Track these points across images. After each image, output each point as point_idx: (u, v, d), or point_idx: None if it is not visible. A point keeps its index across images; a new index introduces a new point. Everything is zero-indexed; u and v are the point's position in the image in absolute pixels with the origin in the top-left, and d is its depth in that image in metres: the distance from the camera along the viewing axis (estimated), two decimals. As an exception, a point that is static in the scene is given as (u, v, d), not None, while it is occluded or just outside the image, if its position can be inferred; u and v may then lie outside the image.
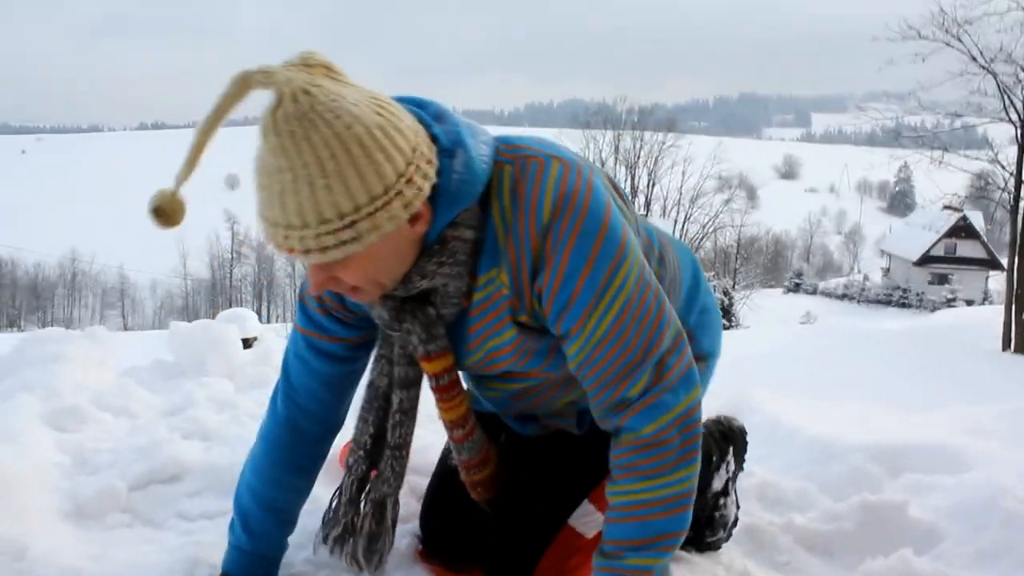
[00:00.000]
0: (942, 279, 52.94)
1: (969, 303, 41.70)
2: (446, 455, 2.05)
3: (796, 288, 60.44)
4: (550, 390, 1.76)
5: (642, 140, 46.70)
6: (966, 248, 54.42)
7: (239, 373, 3.58)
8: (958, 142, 19.33)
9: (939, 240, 53.36)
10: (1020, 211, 16.42)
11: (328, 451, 1.88)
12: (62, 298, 76.93)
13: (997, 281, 43.70)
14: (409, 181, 1.37)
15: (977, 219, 50.80)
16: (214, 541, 1.93)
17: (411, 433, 1.75)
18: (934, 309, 37.51)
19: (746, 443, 2.28)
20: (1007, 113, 16.38)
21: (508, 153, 1.53)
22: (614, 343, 1.51)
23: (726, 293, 34.81)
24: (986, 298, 45.54)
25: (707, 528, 2.19)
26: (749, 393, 3.45)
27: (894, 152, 18.58)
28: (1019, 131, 16.24)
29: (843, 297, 56.67)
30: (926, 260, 54.65)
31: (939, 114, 18.13)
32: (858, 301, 55.21)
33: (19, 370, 3.00)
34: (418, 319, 1.58)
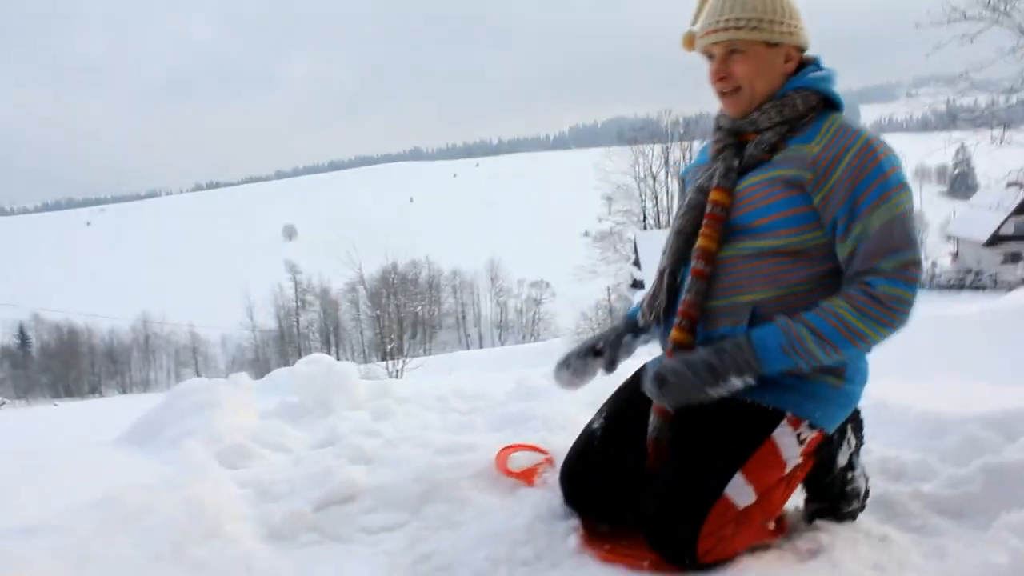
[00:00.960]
0: (1015, 258, 51.71)
1: (1046, 279, 40.66)
2: (591, 422, 2.41)
3: (864, 281, 59.49)
4: (758, 270, 2.14)
5: (691, 150, 46.52)
6: (1037, 224, 53.10)
7: (362, 408, 3.79)
8: (1018, 118, 18.97)
9: (1008, 218, 52.09)
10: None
11: None
12: (137, 361, 78.88)
13: (1072, 254, 42.63)
14: (796, 28, 2.20)
15: (1045, 193, 49.62)
16: (399, 550, 2.17)
17: (690, 225, 2.26)
18: (1010, 289, 36.67)
19: (861, 418, 2.45)
20: (1063, 85, 16.11)
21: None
22: (890, 228, 2.03)
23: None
24: (1063, 272, 44.38)
25: (841, 500, 2.35)
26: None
27: (950, 135, 18.19)
28: (1078, 100, 15.95)
29: (914, 285, 55.67)
30: (996, 240, 53.38)
31: (993, 92, 17.86)
32: (928, 288, 54.17)
33: (177, 420, 3.27)
34: (726, 161, 2.24)
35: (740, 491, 2.03)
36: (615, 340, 2.46)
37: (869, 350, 2.12)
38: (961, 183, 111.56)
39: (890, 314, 2.01)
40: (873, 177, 2.04)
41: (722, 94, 2.26)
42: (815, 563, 2.05)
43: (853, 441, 2.38)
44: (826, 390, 2.15)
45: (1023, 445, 2.58)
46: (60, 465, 2.82)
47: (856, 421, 2.42)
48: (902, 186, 2.05)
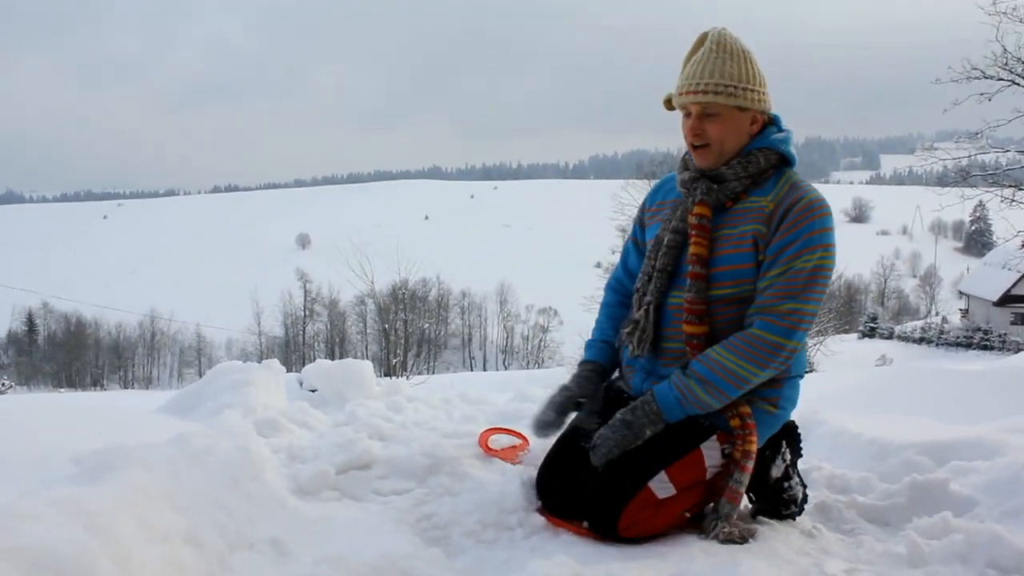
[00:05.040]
0: (1024, 319, 51.83)
1: (1054, 343, 40.79)
2: (566, 434, 2.76)
3: (871, 333, 59.50)
4: (706, 313, 2.54)
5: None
6: (1049, 286, 53.09)
7: (375, 401, 4.18)
8: (1030, 178, 19.17)
9: (1020, 279, 52.09)
10: (1096, 247, 16.28)
11: None
12: (141, 357, 78.94)
13: (1080, 319, 42.71)
14: (764, 95, 2.59)
15: (1057, 257, 49.70)
16: (406, 509, 2.60)
17: (672, 263, 2.62)
18: (1018, 350, 36.83)
19: (798, 435, 2.88)
20: (1076, 149, 16.36)
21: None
22: (795, 278, 2.44)
23: (799, 339, 34.51)
24: (1071, 337, 44.48)
25: (780, 504, 2.75)
26: (818, 409, 3.97)
27: (964, 192, 18.42)
28: (1087, 166, 16.21)
29: (920, 341, 55.75)
30: (1007, 300, 53.44)
31: (1011, 150, 18.18)
32: (936, 344, 54.29)
33: (214, 395, 3.70)
34: (704, 184, 2.60)
35: (661, 486, 2.49)
36: (594, 392, 2.79)
37: (748, 386, 2.50)
38: (976, 240, 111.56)
39: (762, 354, 2.45)
40: (804, 232, 2.46)
41: (694, 147, 2.62)
42: (755, 547, 2.44)
43: (788, 455, 2.79)
44: (761, 415, 2.59)
45: (949, 468, 3.00)
46: (121, 419, 3.25)
47: (793, 436, 2.83)
48: (826, 247, 2.48)
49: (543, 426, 2.71)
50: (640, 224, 2.94)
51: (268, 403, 3.64)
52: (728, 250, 2.55)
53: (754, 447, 2.53)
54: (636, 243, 2.96)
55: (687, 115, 2.62)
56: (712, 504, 2.56)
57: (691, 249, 2.56)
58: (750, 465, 2.53)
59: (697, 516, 2.62)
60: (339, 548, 2.20)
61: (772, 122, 2.66)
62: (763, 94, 2.59)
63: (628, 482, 2.48)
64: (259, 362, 4.09)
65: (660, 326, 2.64)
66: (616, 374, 2.88)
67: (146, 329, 79.71)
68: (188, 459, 2.29)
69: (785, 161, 2.62)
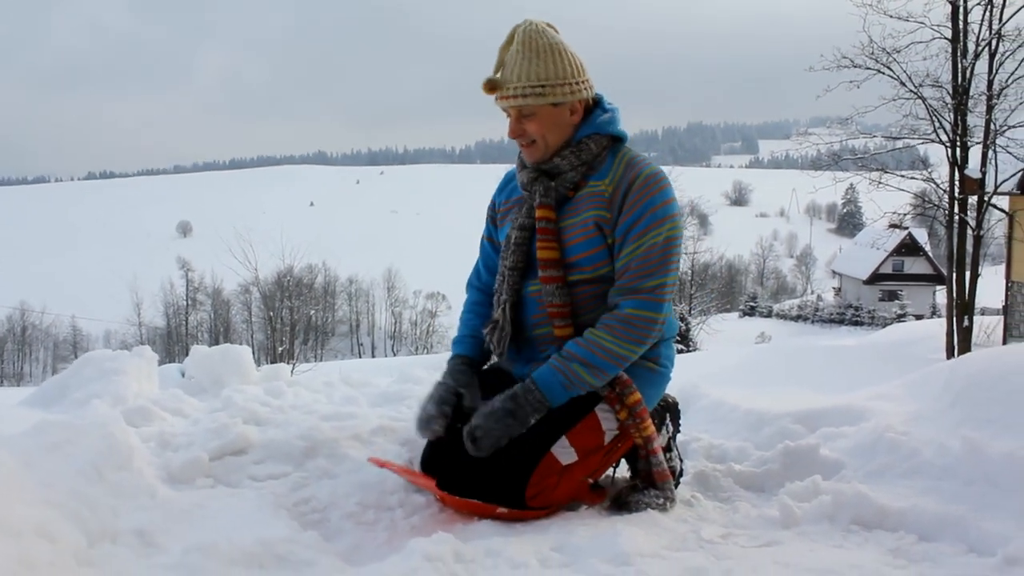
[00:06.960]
0: (892, 296, 54.19)
1: (919, 317, 42.77)
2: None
3: (751, 311, 61.46)
4: (572, 298, 2.58)
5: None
6: (913, 264, 55.58)
7: (254, 386, 4.07)
8: (900, 163, 20.03)
9: (887, 258, 54.54)
10: (955, 226, 17.15)
11: None
12: (11, 352, 75.47)
13: (944, 295, 44.87)
14: (578, 85, 2.57)
15: (921, 236, 52.25)
16: (283, 493, 2.53)
17: (522, 260, 2.63)
18: (885, 325, 38.53)
19: (679, 411, 2.99)
20: (937, 134, 17.18)
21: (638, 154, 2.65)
22: (649, 254, 2.51)
23: (682, 319, 35.54)
24: (934, 312, 46.69)
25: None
26: (698, 383, 4.07)
27: (836, 175, 19.15)
28: (949, 151, 17.04)
29: (797, 318, 57.83)
30: (875, 278, 55.92)
31: (878, 136, 18.97)
32: (812, 321, 56.39)
33: (82, 384, 3.54)
34: (543, 184, 2.62)
35: (563, 451, 2.50)
36: (469, 383, 2.71)
37: (627, 364, 2.55)
38: (848, 221, 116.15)
39: (638, 332, 2.52)
40: (647, 208, 2.52)
41: (521, 145, 2.65)
42: (634, 516, 2.47)
43: (671, 428, 2.87)
44: (645, 373, 2.64)
45: (820, 434, 3.12)
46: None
47: (674, 412, 2.93)
48: (672, 217, 2.55)
49: (426, 422, 2.61)
50: (493, 223, 2.93)
51: (140, 391, 3.50)
52: (577, 239, 2.58)
53: (651, 430, 2.60)
54: (492, 242, 2.93)
55: (508, 115, 2.64)
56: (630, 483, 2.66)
57: (540, 254, 2.59)
58: (657, 446, 2.63)
59: (595, 485, 2.67)
60: (212, 536, 2.13)
61: (597, 103, 2.68)
62: (576, 84, 2.58)
63: (531, 450, 2.46)
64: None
65: (524, 317, 2.66)
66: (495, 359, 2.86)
67: (16, 323, 76.03)
68: (45, 450, 2.19)
69: (617, 140, 2.67)
